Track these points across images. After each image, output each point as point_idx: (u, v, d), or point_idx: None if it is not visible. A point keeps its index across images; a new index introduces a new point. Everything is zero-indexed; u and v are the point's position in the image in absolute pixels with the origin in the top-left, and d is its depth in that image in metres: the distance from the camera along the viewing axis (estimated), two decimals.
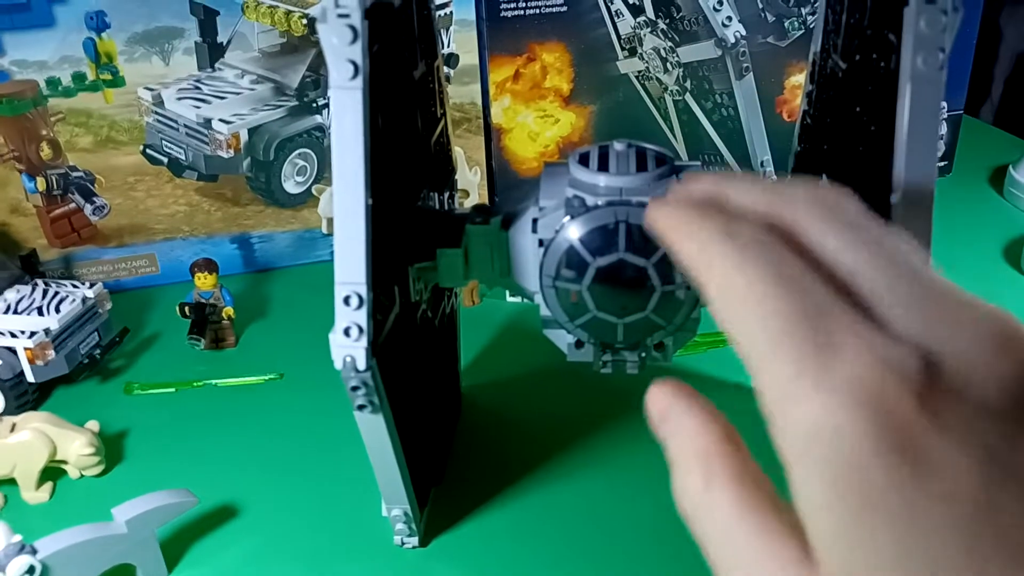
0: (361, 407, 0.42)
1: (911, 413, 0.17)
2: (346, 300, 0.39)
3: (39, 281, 0.66)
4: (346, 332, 0.40)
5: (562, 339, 0.47)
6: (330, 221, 0.81)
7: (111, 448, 0.59)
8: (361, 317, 0.39)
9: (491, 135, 0.81)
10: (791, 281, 0.20)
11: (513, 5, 0.76)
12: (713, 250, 0.21)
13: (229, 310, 0.69)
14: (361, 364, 0.40)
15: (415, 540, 0.51)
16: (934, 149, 0.36)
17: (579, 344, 0.47)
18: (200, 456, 0.59)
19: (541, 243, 0.43)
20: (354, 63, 0.37)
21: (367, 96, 0.38)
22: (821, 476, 0.17)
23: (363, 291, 0.39)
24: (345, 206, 0.39)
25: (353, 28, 0.37)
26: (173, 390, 0.66)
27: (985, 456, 0.17)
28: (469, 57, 0.77)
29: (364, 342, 0.39)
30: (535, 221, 0.44)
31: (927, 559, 0.16)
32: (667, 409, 0.23)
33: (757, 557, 0.19)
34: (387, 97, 0.42)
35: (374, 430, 0.43)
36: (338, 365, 0.40)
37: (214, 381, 0.66)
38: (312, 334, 0.70)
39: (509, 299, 0.76)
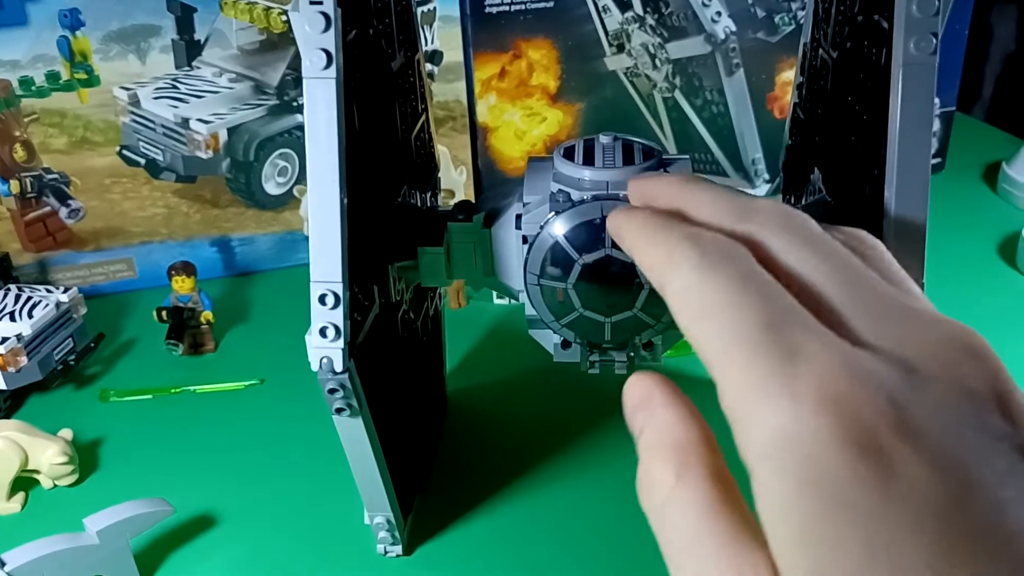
0: (340, 410, 0.40)
1: (877, 417, 0.17)
2: (321, 299, 0.38)
3: (11, 286, 0.64)
4: (322, 332, 0.38)
5: (548, 339, 0.46)
6: None
7: (86, 457, 0.57)
8: (337, 317, 0.38)
9: (476, 134, 0.80)
10: (757, 287, 0.20)
11: (498, 1, 0.75)
12: (678, 255, 0.22)
13: (208, 314, 0.67)
14: (338, 366, 0.38)
15: (399, 548, 0.49)
16: (928, 135, 0.35)
17: (566, 344, 0.45)
18: (178, 464, 0.57)
19: (525, 240, 0.42)
20: (327, 52, 0.36)
21: (341, 86, 0.36)
22: (786, 479, 0.17)
23: (339, 290, 0.38)
24: (319, 201, 0.37)
25: (326, 15, 0.35)
26: (150, 397, 0.64)
27: (950, 463, 0.17)
28: (453, 54, 0.76)
29: (341, 343, 0.38)
30: (519, 217, 0.42)
31: (892, 563, 0.16)
32: (645, 399, 0.22)
33: (722, 566, 0.19)
34: (363, 88, 0.40)
35: (354, 434, 0.42)
36: (315, 367, 0.39)
37: (193, 387, 0.64)
38: (294, 339, 0.69)
39: (496, 301, 0.74)
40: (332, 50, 0.36)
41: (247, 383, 0.65)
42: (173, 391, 0.64)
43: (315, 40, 0.36)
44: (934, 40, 0.34)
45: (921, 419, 0.17)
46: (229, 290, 0.77)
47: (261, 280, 0.79)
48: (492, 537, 0.51)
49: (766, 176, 0.86)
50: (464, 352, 0.68)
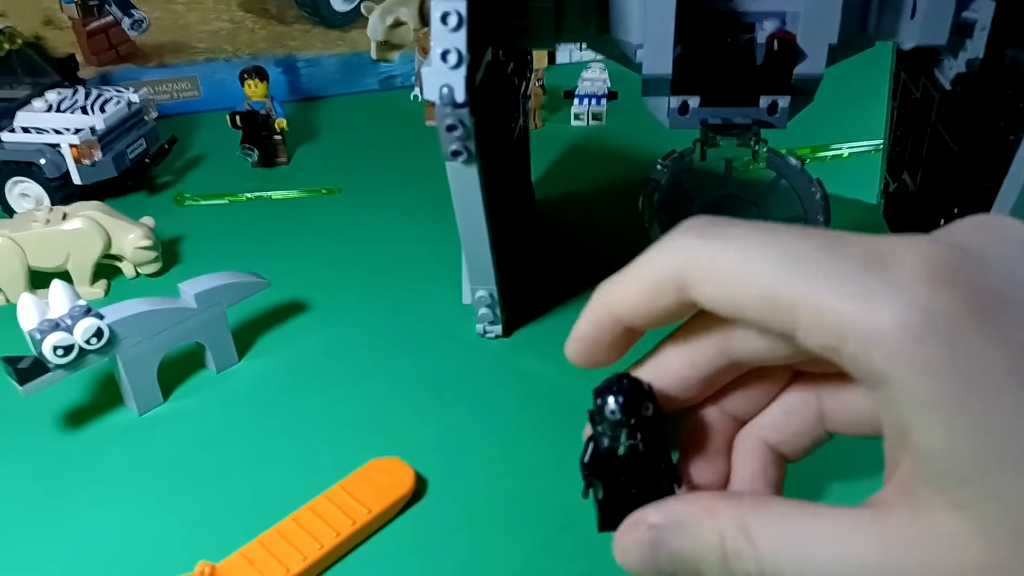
0: (455, 153, 0.38)
1: (979, 281, 0.16)
2: (444, 18, 0.35)
3: (79, 87, 0.62)
4: (443, 57, 0.35)
5: (662, 107, 0.43)
6: (379, 45, 0.76)
7: (166, 253, 0.56)
8: (460, 40, 0.35)
9: None
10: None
11: None
12: None
13: (282, 122, 0.65)
14: (459, 95, 0.36)
15: (498, 328, 0.48)
16: None
17: (683, 109, 0.43)
18: (262, 258, 0.55)
19: None
20: None
21: None
22: (927, 362, 0.16)
23: (462, 8, 0.35)
24: None
25: None
26: (226, 201, 0.62)
27: None
28: None
29: (463, 70, 0.35)
30: None
31: None
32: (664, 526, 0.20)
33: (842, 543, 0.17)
34: None
35: (465, 183, 0.40)
36: (434, 97, 0.36)
37: (269, 194, 0.62)
38: (367, 156, 0.67)
39: (574, 123, 0.72)
40: None
41: (324, 189, 0.63)
42: (248, 197, 0.62)
43: None
44: None
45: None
46: (297, 112, 0.74)
47: (328, 104, 0.76)
48: None
49: None
50: (545, 167, 0.65)
